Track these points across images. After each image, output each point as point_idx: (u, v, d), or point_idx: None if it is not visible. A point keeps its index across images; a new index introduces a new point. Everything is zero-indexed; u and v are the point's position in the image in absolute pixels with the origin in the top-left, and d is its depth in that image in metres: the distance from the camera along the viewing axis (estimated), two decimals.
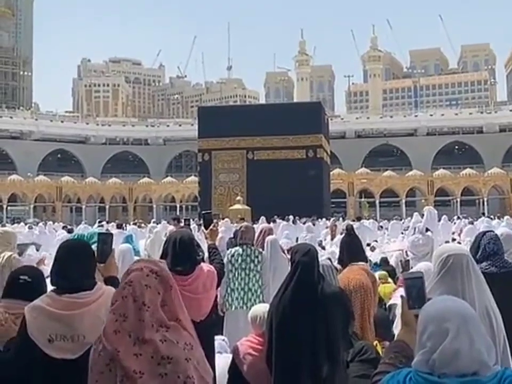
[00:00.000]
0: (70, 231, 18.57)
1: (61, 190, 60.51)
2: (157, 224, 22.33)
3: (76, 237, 6.19)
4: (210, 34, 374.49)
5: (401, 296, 2.42)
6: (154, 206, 63.35)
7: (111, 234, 3.73)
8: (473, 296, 2.75)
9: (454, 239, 16.07)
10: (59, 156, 74.96)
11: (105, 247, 3.49)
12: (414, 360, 1.96)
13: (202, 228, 5.21)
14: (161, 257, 4.10)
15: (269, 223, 20.71)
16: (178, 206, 61.75)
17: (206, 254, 6.39)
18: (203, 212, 5.42)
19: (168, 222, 21.70)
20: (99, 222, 29.01)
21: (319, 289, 3.68)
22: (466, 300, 2.51)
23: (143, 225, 24.13)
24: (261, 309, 4.17)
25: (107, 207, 62.76)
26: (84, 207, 61.27)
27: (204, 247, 8.86)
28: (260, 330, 4.01)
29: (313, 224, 23.49)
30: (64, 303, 2.75)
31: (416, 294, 2.33)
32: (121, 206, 66.67)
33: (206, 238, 4.93)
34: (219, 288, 5.42)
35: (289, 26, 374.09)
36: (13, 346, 2.82)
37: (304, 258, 3.79)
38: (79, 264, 2.88)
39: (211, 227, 4.87)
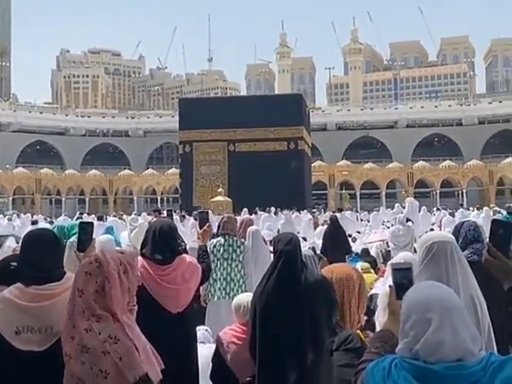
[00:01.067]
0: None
1: (40, 182, 59.81)
2: (138, 216, 22.21)
3: (55, 228, 6.09)
4: (190, 25, 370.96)
5: (390, 286, 2.41)
6: (135, 198, 62.93)
7: (92, 223, 3.70)
8: (457, 283, 2.75)
9: (432, 230, 16.16)
10: (38, 147, 73.98)
11: (86, 236, 3.47)
12: (397, 347, 1.93)
13: (197, 227, 5.07)
14: (141, 246, 4.06)
15: (250, 214, 20.77)
16: (159, 198, 61.42)
17: (190, 245, 6.35)
18: (198, 211, 5.34)
19: (149, 214, 21.59)
20: (79, 214, 28.79)
21: (302, 278, 3.67)
22: (450, 286, 2.49)
23: (124, 217, 23.96)
24: (245, 298, 4.16)
25: (87, 199, 62.22)
26: (63, 199, 60.65)
27: (186, 238, 8.83)
28: (244, 319, 4.00)
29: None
30: (31, 295, 2.71)
31: (405, 285, 2.29)
32: (101, 198, 66.11)
33: (198, 238, 4.78)
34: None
35: (270, 18, 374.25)
36: None
37: (287, 247, 3.77)
38: (48, 254, 2.83)
39: (205, 227, 4.71)
